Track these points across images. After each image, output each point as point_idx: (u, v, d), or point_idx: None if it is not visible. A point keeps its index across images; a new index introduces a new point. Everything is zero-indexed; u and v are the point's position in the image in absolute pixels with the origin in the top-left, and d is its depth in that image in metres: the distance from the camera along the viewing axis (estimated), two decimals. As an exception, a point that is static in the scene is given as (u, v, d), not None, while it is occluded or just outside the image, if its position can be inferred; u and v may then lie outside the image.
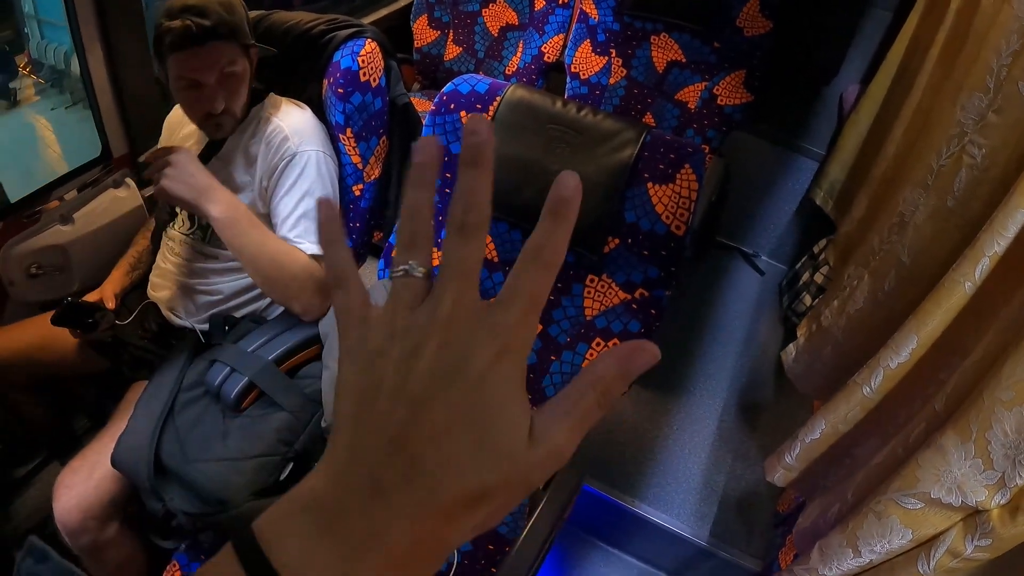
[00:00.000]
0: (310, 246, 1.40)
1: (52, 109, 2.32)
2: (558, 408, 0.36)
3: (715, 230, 2.32)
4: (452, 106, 1.51)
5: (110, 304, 1.62)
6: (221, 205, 1.34)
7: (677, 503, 1.79)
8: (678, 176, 1.45)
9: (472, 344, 0.34)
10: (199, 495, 1.28)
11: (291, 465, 1.31)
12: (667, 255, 1.49)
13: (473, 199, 0.37)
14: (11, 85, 2.27)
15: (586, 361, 1.50)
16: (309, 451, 1.33)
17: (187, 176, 1.34)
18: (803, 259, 2.27)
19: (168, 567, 1.41)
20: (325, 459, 0.35)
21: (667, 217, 1.47)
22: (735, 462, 1.91)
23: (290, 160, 1.41)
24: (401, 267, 0.38)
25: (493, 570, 1.33)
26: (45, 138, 2.30)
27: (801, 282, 2.22)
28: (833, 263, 2.13)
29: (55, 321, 1.53)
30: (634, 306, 1.52)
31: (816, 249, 2.25)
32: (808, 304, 2.17)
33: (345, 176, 1.53)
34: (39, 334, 1.64)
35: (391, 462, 0.32)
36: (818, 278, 2.18)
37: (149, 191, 1.87)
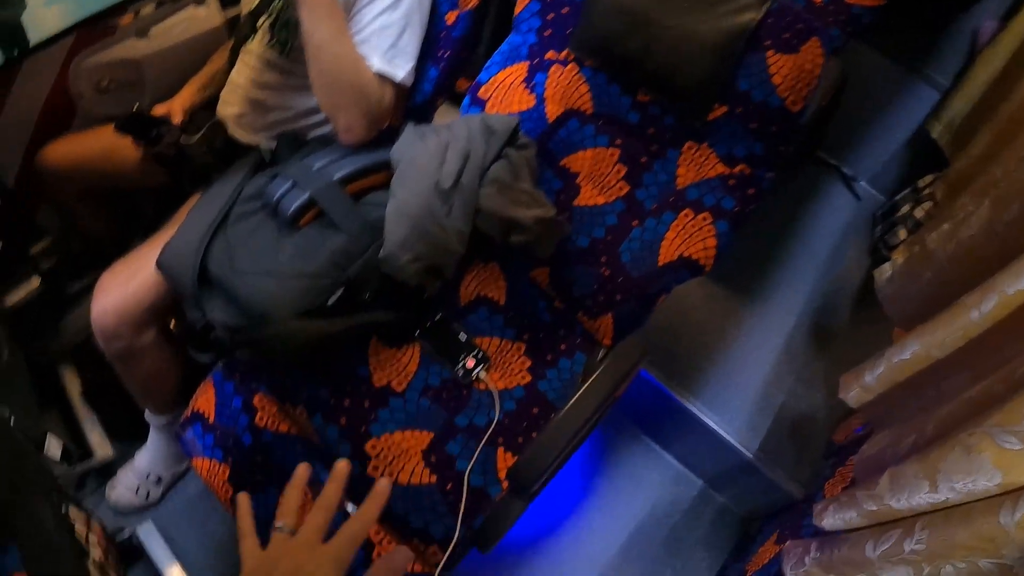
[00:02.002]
0: (378, 62, 1.28)
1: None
2: None
3: (820, 139, 2.11)
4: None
5: (177, 119, 1.54)
6: None
7: (732, 409, 1.66)
8: (804, 48, 1.28)
9: (309, 562, 0.64)
10: (242, 308, 1.19)
11: (341, 291, 1.21)
12: (777, 132, 1.32)
13: (330, 503, 0.70)
14: None
15: (671, 231, 1.35)
16: (361, 280, 1.23)
17: None
18: (905, 191, 2.06)
19: (202, 385, 1.35)
20: None
21: (784, 91, 1.30)
22: (796, 383, 1.76)
23: None
24: (279, 525, 0.68)
25: (534, 434, 1.23)
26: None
27: (899, 214, 2.02)
28: (940, 198, 1.92)
29: (119, 127, 1.47)
30: (732, 182, 1.36)
31: (921, 184, 2.04)
32: (902, 238, 1.97)
33: (439, 3, 1.38)
34: (104, 143, 1.57)
35: None
36: (918, 213, 1.97)
37: (231, 12, 1.76)
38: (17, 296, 1.78)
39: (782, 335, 1.81)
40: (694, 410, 1.62)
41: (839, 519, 1.30)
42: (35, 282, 1.80)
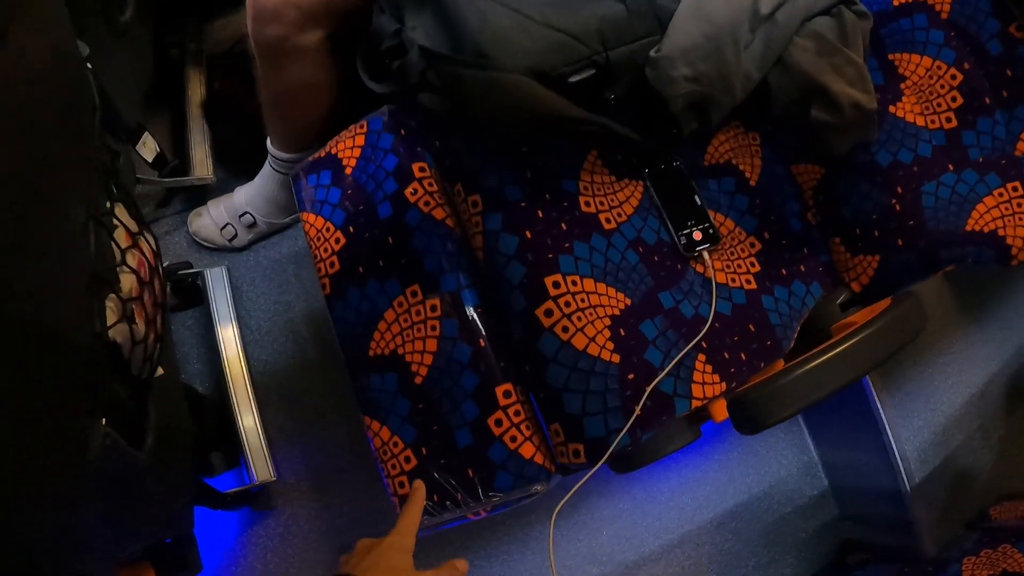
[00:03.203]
0: None
1: None
2: None
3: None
4: None
5: None
6: None
7: (912, 428, 1.23)
8: None
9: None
10: (457, 36, 0.76)
11: (590, 72, 0.78)
12: None
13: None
14: None
15: (991, 197, 0.90)
16: (617, 72, 0.80)
17: None
18: None
19: (352, 127, 0.94)
20: None
21: None
22: (978, 431, 1.32)
23: None
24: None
25: (742, 355, 0.81)
26: None
27: None
28: None
29: None
30: (1079, 176, 0.91)
31: None
32: None
33: None
34: None
35: None
36: None
37: None
38: (172, -22, 1.38)
39: (983, 375, 1.36)
40: (879, 410, 1.19)
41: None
42: (195, -31, 1.40)
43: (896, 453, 1.17)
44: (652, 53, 0.81)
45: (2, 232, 0.39)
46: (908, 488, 1.18)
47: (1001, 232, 0.91)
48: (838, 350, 0.71)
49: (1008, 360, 1.39)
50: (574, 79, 0.78)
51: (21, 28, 0.40)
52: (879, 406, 1.17)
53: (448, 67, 0.77)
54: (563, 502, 0.74)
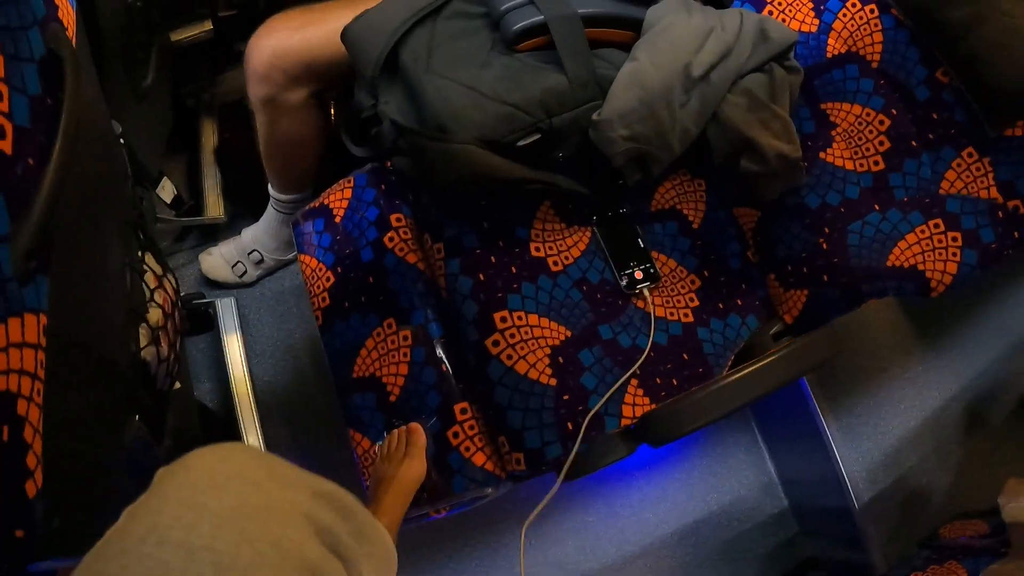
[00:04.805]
0: None
1: None
2: None
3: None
4: None
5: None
6: None
7: (862, 450, 1.36)
8: None
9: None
10: (422, 111, 0.94)
11: (537, 137, 0.95)
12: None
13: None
14: None
15: (913, 234, 1.04)
16: (562, 135, 0.96)
17: None
18: None
19: (341, 181, 1.12)
20: None
21: None
22: (932, 454, 1.45)
23: None
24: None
25: (674, 381, 0.96)
26: None
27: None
28: None
29: None
30: (1000, 214, 1.04)
31: None
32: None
33: None
34: None
35: None
36: None
37: None
38: (186, 34, 1.57)
39: (939, 399, 1.49)
40: (826, 432, 1.32)
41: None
42: (207, 26, 1.59)
43: (843, 473, 1.30)
44: (594, 116, 0.97)
45: (73, 277, 0.57)
46: (856, 506, 1.31)
47: (921, 266, 1.04)
48: (737, 376, 0.86)
49: (966, 386, 1.51)
50: (521, 144, 0.95)
51: (82, 140, 0.58)
52: (826, 428, 1.31)
53: (412, 139, 0.94)
54: (532, 516, 0.89)
